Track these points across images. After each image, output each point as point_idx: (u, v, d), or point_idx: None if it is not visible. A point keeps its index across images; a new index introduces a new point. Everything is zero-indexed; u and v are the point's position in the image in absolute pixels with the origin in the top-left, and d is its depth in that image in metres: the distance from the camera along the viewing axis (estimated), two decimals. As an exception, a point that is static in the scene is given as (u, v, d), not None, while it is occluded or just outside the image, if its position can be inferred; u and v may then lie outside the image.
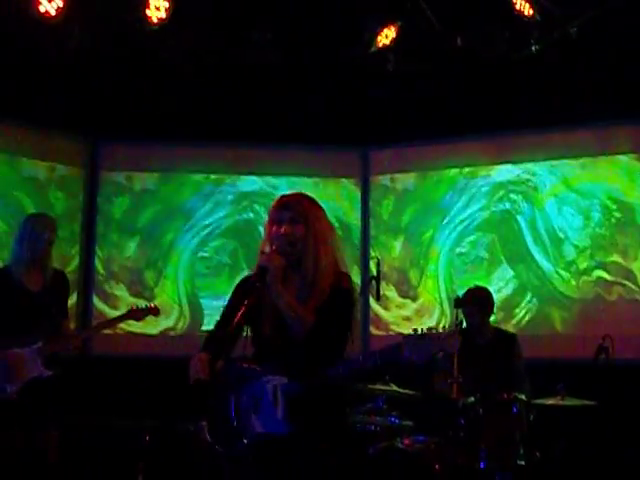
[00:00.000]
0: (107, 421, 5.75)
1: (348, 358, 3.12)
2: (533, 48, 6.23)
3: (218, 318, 3.39)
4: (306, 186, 7.21)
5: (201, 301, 7.14)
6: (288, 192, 3.40)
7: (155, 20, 6.17)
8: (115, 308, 6.97)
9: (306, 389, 3.07)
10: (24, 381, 4.54)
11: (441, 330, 2.94)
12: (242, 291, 3.28)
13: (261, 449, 3.10)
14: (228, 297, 3.40)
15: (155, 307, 5.17)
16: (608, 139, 6.59)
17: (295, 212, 3.22)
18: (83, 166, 7.17)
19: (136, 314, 5.06)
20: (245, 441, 3.08)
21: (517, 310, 6.66)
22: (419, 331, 2.93)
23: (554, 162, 6.71)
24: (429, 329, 2.94)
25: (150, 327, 6.79)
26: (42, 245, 4.67)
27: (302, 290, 3.20)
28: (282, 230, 3.19)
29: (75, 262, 6.88)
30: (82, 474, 5.45)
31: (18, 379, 4.53)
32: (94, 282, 7.09)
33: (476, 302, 5.30)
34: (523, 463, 4.64)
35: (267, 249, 3.23)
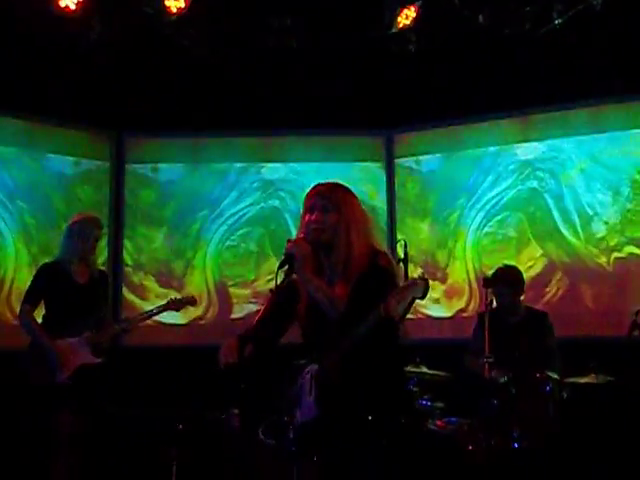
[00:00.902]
0: (141, 410, 5.80)
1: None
2: (556, 22, 6.13)
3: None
4: (331, 171, 7.19)
5: (229, 289, 7.16)
6: (323, 181, 3.37)
7: (174, 10, 6.19)
8: (144, 299, 7.03)
9: (331, 372, 3.06)
10: (74, 368, 4.79)
11: (411, 280, 3.04)
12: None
13: (302, 439, 3.11)
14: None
15: (193, 297, 5.46)
16: (636, 112, 6.48)
17: (327, 200, 3.21)
18: (108, 159, 7.20)
19: (175, 305, 5.27)
20: (292, 434, 3.10)
21: (547, 288, 6.58)
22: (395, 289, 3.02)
23: (581, 138, 6.62)
24: (402, 284, 3.05)
25: (180, 317, 6.83)
26: (89, 242, 4.98)
27: (334, 275, 3.19)
28: (314, 217, 3.20)
29: (104, 255, 6.91)
30: (118, 460, 5.52)
31: (68, 367, 4.78)
32: (123, 274, 7.13)
33: (506, 281, 5.26)
34: (556, 442, 4.60)
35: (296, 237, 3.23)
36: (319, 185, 3.32)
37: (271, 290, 3.12)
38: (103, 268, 5.76)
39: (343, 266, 3.17)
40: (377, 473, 3.09)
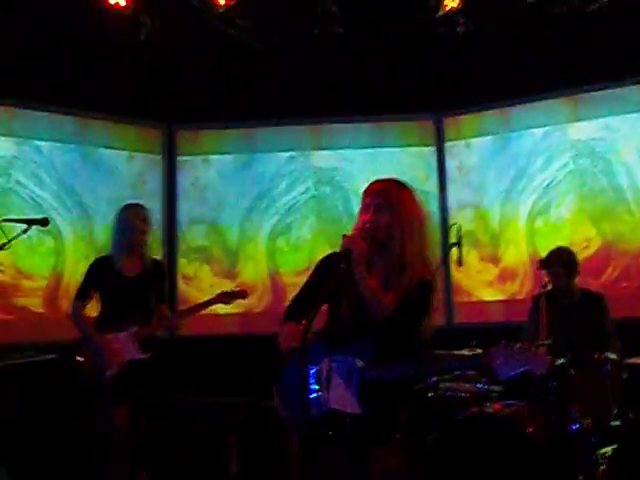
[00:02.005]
0: (200, 398, 5.88)
1: (429, 357, 3.13)
2: (605, -2, 6.03)
3: (299, 290, 3.44)
4: (381, 157, 7.21)
5: (283, 278, 7.21)
6: (381, 178, 3.38)
7: (222, 2, 6.23)
8: (199, 289, 7.11)
9: (380, 377, 3.10)
10: (121, 364, 4.75)
11: (533, 349, 2.90)
12: (325, 269, 3.31)
13: (332, 424, 3.15)
14: (311, 271, 3.44)
15: (244, 290, 5.29)
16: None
17: (381, 199, 3.23)
18: (160, 152, 7.29)
19: (225, 298, 5.16)
20: (316, 414, 3.14)
21: (603, 269, 6.51)
22: (510, 346, 2.91)
23: (634, 115, 6.49)
24: (520, 347, 2.91)
25: (234, 306, 6.88)
26: (136, 235, 4.90)
27: (388, 276, 3.22)
28: (367, 217, 3.22)
29: (158, 246, 7.00)
30: (179, 448, 5.60)
31: (115, 362, 4.74)
32: (177, 265, 7.23)
33: (561, 263, 5.21)
34: (617, 424, 4.56)
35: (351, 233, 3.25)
36: (375, 182, 3.33)
37: (330, 285, 3.13)
38: (158, 257, 5.59)
39: (398, 269, 3.19)
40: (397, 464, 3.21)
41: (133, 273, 4.92)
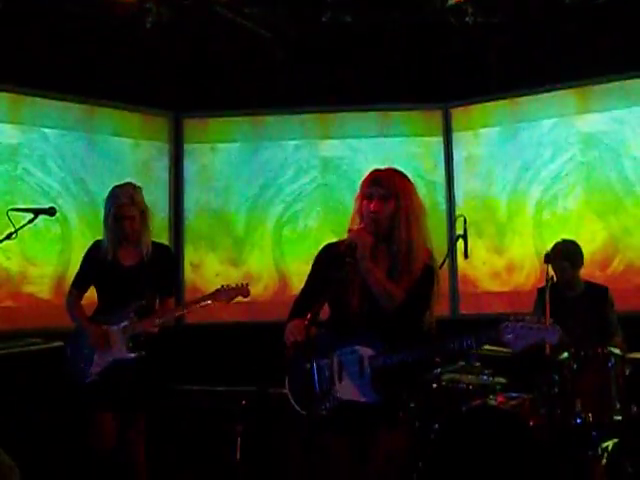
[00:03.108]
0: (204, 386, 5.89)
1: (442, 340, 3.15)
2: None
3: (304, 286, 3.46)
4: (388, 146, 7.20)
5: (289, 266, 7.23)
6: (381, 167, 3.40)
7: (230, -9, 6.22)
8: (204, 278, 7.13)
9: (392, 362, 3.13)
10: (106, 363, 4.33)
11: (543, 320, 2.94)
12: (327, 260, 3.33)
13: (343, 414, 3.18)
14: (312, 264, 3.46)
15: (245, 287, 4.54)
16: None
17: (386, 188, 3.24)
18: (167, 140, 7.30)
19: (224, 295, 4.47)
20: (327, 406, 3.16)
21: (608, 262, 6.50)
22: (521, 319, 2.95)
23: (642, 108, 6.48)
24: (531, 318, 2.94)
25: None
26: (118, 222, 4.41)
27: (394, 266, 3.25)
28: (372, 207, 3.23)
29: (165, 234, 7.03)
30: (183, 436, 5.61)
31: (102, 360, 4.33)
32: (184, 254, 7.25)
33: (566, 256, 5.22)
34: (620, 418, 4.57)
35: (356, 224, 3.26)
36: (377, 172, 3.34)
37: (334, 279, 3.15)
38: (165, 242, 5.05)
39: (405, 259, 3.21)
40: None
41: (130, 263, 4.46)
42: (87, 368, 4.33)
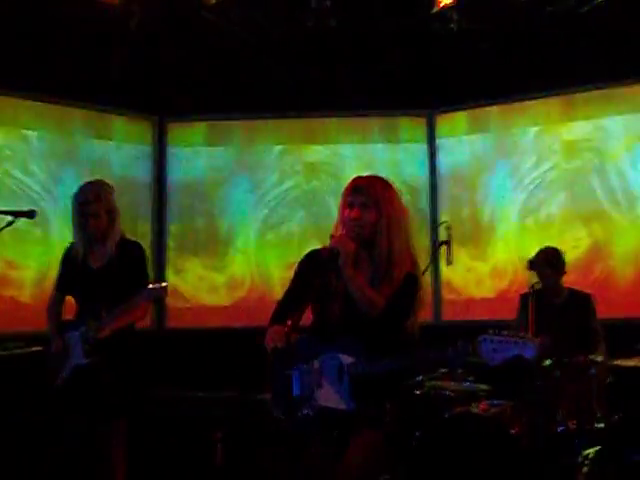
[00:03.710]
0: (184, 393, 5.85)
1: (419, 349, 3.14)
2: (599, -1, 6.01)
3: (285, 291, 3.44)
4: (372, 153, 7.20)
5: (272, 271, 7.19)
6: (363, 174, 3.39)
7: (214, -6, 6.19)
8: (187, 282, 7.09)
9: (371, 371, 3.11)
10: (69, 368, 4.19)
11: (520, 334, 2.91)
12: (310, 267, 3.31)
13: (322, 422, 3.16)
14: (295, 270, 3.44)
15: (165, 287, 4.10)
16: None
17: (367, 196, 3.23)
18: (150, 144, 7.26)
19: (144, 297, 4.07)
20: (306, 412, 3.14)
21: (591, 269, 6.52)
22: (498, 333, 2.91)
23: (626, 116, 6.49)
24: (509, 332, 2.91)
25: (223, 298, 6.90)
26: (81, 219, 4.22)
27: (376, 274, 3.24)
28: (353, 214, 3.21)
29: (148, 238, 6.98)
30: (162, 445, 5.56)
31: (68, 365, 4.20)
32: (166, 257, 7.20)
33: (549, 263, 5.23)
34: (602, 426, 4.57)
35: (338, 232, 3.25)
36: (358, 179, 3.33)
37: (316, 285, 3.14)
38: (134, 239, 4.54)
39: (386, 266, 3.19)
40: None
41: (98, 264, 4.25)
42: (60, 372, 4.22)
